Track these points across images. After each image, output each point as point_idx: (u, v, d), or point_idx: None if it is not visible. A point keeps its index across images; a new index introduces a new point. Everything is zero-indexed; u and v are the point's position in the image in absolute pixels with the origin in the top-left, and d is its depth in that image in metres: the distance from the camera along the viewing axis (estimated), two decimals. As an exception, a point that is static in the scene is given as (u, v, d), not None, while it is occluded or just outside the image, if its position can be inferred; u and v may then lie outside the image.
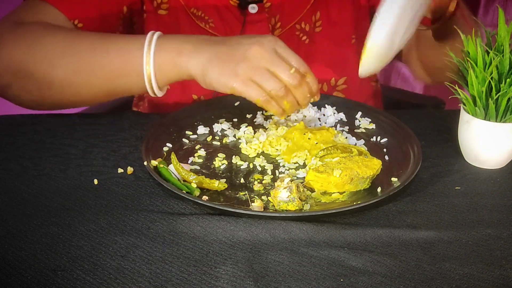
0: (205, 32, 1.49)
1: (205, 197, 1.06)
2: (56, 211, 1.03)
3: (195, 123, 1.32)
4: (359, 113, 1.37)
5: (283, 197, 1.03)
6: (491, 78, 1.13)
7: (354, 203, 1.04)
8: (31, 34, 1.27)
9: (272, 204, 1.06)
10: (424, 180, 1.16)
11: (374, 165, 1.11)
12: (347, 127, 1.34)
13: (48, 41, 1.25)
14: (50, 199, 1.07)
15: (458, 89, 1.18)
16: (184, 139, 1.27)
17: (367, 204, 1.03)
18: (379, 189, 1.10)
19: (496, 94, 1.13)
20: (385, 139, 1.28)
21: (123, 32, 1.49)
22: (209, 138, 1.28)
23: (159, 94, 1.24)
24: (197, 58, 1.17)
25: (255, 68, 1.14)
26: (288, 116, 1.30)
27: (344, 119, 1.38)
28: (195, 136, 1.29)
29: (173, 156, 1.13)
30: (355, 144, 1.27)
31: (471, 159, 1.22)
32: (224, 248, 0.95)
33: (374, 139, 1.29)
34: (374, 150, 1.24)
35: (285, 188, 1.04)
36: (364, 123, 1.34)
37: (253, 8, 1.48)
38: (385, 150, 1.25)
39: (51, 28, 1.29)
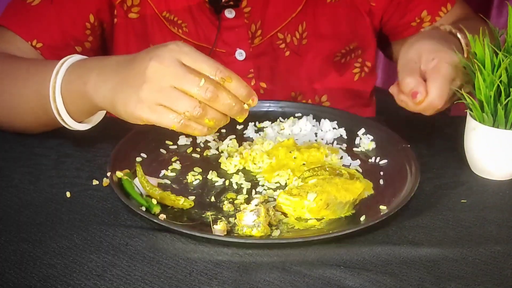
0: (178, 38, 1.48)
1: (162, 216, 1.04)
2: (26, 227, 1.03)
3: (179, 132, 1.28)
4: (362, 130, 1.35)
5: (248, 221, 1.01)
6: (500, 81, 1.14)
7: (331, 232, 1.02)
8: None
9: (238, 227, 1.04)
10: (427, 192, 1.16)
11: (356, 189, 1.09)
12: (345, 145, 1.32)
13: None
14: (19, 213, 1.07)
15: (464, 94, 1.19)
16: (162, 150, 1.27)
17: (339, 235, 1.01)
18: (363, 218, 1.07)
19: (505, 99, 1.14)
20: (384, 161, 1.26)
21: (94, 42, 1.48)
22: (189, 150, 1.28)
23: (81, 127, 1.22)
24: (102, 89, 1.11)
25: (158, 89, 1.05)
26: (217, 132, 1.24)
27: (344, 136, 1.35)
28: (175, 146, 1.29)
29: (138, 168, 1.12)
30: (349, 165, 1.25)
31: (478, 170, 1.23)
32: (209, 267, 0.96)
33: (372, 160, 1.27)
34: (370, 173, 1.22)
35: (252, 211, 1.01)
36: (364, 142, 1.32)
37: (229, 13, 1.48)
38: (382, 173, 1.22)
39: None
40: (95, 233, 1.02)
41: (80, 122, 1.21)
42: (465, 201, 1.15)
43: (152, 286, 0.92)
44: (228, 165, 1.22)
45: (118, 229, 1.03)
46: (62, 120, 1.18)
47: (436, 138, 1.36)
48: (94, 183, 1.14)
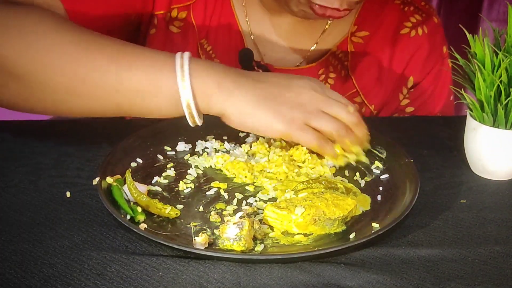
0: None
1: (143, 225, 1.02)
2: (26, 226, 1.04)
3: (179, 138, 1.30)
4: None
5: (231, 234, 0.98)
6: (500, 81, 1.15)
7: (316, 249, 0.99)
8: (27, 23, 1.13)
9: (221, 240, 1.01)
10: (427, 192, 1.17)
11: (347, 205, 1.07)
12: None
13: (52, 39, 1.13)
14: (19, 213, 1.07)
15: (464, 94, 1.19)
16: (159, 155, 1.26)
17: (322, 253, 0.98)
18: (352, 235, 1.03)
19: (505, 99, 1.15)
20: (386, 176, 1.22)
21: (125, 35, 1.39)
22: (186, 157, 1.26)
23: (200, 122, 1.19)
24: (239, 97, 1.16)
25: (311, 112, 1.18)
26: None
27: None
28: (173, 152, 1.28)
29: (127, 174, 1.11)
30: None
31: (478, 170, 1.24)
32: (201, 269, 0.97)
33: (373, 174, 1.24)
34: (368, 187, 1.19)
35: (235, 223, 0.99)
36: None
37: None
38: (381, 188, 1.19)
39: (55, 21, 1.16)
40: (95, 234, 1.03)
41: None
42: (464, 201, 1.15)
43: (151, 283, 0.92)
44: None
45: (118, 230, 1.04)
46: (191, 114, 1.16)
47: (436, 138, 1.37)
48: (94, 183, 1.13)
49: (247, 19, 1.56)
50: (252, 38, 1.57)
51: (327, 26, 1.58)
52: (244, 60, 1.53)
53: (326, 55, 1.59)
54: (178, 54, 1.16)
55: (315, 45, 1.59)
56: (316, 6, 1.34)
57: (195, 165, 1.24)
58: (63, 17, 1.21)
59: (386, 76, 1.61)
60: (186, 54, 1.16)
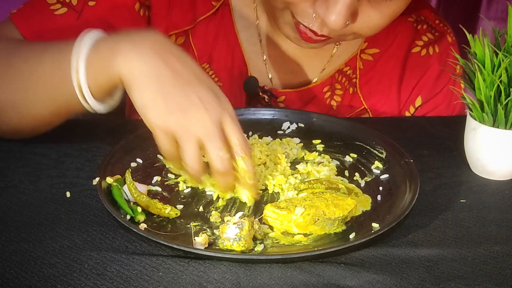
0: None
1: (143, 225, 1.03)
2: (26, 227, 1.04)
3: None
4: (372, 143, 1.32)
5: (231, 234, 0.98)
6: (500, 81, 1.15)
7: (316, 249, 0.99)
8: None
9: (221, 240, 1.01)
10: (427, 192, 1.17)
11: (347, 205, 1.06)
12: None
13: None
14: (19, 213, 1.07)
15: (464, 94, 1.19)
16: (159, 155, 1.24)
17: (322, 253, 0.98)
18: (352, 235, 1.03)
19: (505, 99, 1.15)
20: (386, 176, 1.22)
21: None
22: None
23: (99, 108, 1.14)
24: (134, 60, 1.05)
25: (187, 133, 1.04)
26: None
27: None
28: None
29: (127, 174, 1.11)
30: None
31: (478, 170, 1.24)
32: (201, 269, 0.97)
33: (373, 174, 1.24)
34: (369, 187, 1.19)
35: (235, 223, 0.99)
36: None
37: (263, 99, 1.51)
38: (381, 188, 1.18)
39: None
40: (95, 234, 1.03)
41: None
42: (464, 201, 1.16)
43: (151, 283, 0.92)
44: None
45: (118, 231, 1.04)
46: (83, 97, 1.10)
47: (436, 138, 1.37)
48: (94, 183, 1.13)
49: (261, 43, 1.55)
50: (264, 61, 1.56)
51: (334, 51, 1.57)
52: (248, 87, 1.51)
53: (333, 72, 1.58)
54: (82, 33, 1.11)
55: (324, 70, 1.58)
56: (301, 25, 1.29)
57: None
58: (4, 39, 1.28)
59: (394, 94, 1.60)
60: (92, 32, 1.11)
